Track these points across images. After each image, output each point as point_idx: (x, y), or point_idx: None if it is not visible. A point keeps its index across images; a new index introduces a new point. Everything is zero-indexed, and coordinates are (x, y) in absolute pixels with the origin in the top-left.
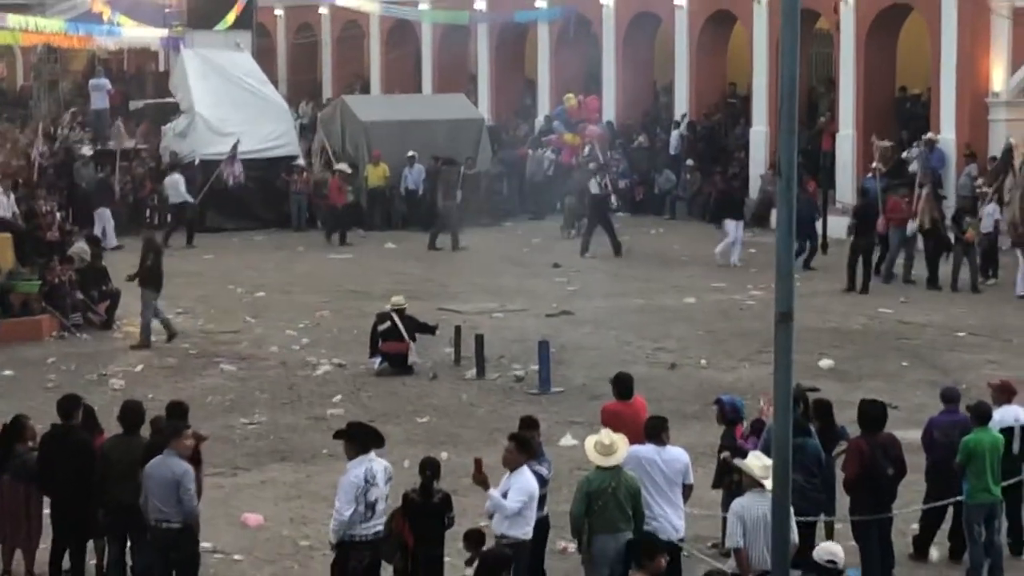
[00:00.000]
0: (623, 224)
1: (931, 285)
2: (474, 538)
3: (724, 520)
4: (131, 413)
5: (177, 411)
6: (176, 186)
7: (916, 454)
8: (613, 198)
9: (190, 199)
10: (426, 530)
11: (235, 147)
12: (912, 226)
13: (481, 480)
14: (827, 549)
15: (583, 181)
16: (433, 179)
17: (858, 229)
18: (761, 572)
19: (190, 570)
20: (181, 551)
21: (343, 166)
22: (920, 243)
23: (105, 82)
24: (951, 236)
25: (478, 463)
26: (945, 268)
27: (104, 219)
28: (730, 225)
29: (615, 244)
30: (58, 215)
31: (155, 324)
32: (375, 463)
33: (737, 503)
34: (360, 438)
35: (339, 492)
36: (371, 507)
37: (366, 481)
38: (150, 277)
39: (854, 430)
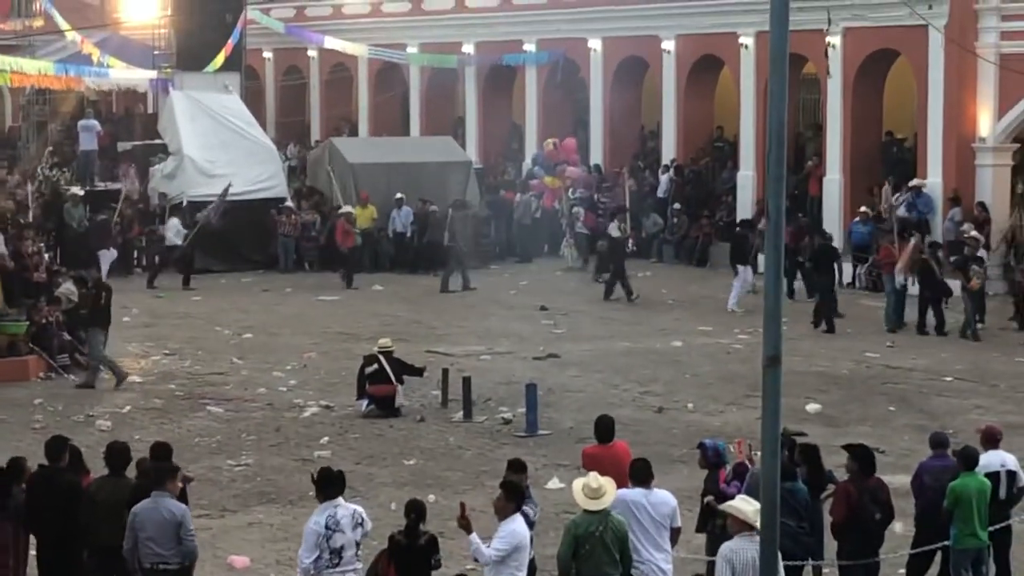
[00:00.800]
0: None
1: (920, 331)
2: None
3: (708, 564)
4: (117, 454)
5: (162, 452)
6: (176, 229)
7: (903, 499)
8: (631, 242)
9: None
10: (412, 572)
11: (226, 191)
12: (899, 277)
13: (464, 524)
14: None
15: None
16: (423, 221)
17: (816, 269)
18: None
19: None
20: None
21: (348, 208)
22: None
23: (95, 123)
24: (947, 283)
25: (463, 507)
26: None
27: (107, 259)
28: (740, 269)
29: (627, 289)
30: (46, 256)
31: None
32: (340, 508)
33: (726, 547)
34: (322, 485)
35: (302, 539)
36: (336, 553)
37: (327, 528)
38: (100, 317)
39: (841, 475)
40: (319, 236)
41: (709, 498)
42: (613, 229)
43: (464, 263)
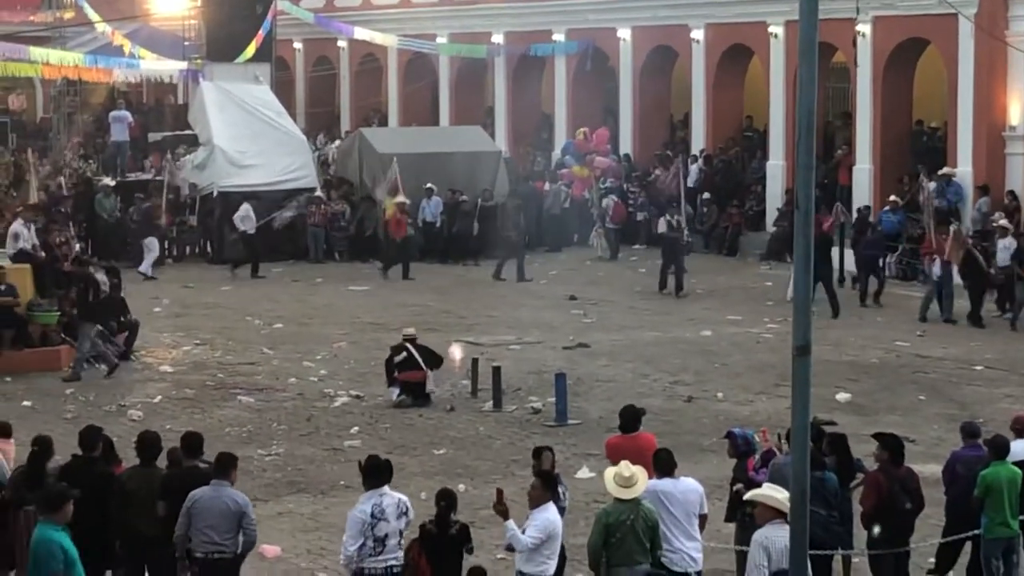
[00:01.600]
0: (640, 257)
1: (974, 322)
2: None
3: (737, 553)
4: (148, 444)
5: (193, 442)
6: (247, 216)
7: (934, 488)
8: (686, 233)
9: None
10: (443, 561)
11: (305, 198)
12: (935, 268)
13: (501, 510)
14: None
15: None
16: (452, 211)
17: (818, 257)
18: None
19: None
20: None
21: (403, 198)
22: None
23: (126, 114)
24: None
25: (499, 493)
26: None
27: (152, 248)
28: None
29: (678, 284)
30: (76, 246)
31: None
32: (386, 497)
33: (760, 534)
34: (370, 473)
35: (347, 526)
36: (380, 541)
37: (373, 516)
38: (88, 310)
39: (871, 464)
40: (349, 226)
41: (738, 486)
42: (661, 225)
43: (521, 253)
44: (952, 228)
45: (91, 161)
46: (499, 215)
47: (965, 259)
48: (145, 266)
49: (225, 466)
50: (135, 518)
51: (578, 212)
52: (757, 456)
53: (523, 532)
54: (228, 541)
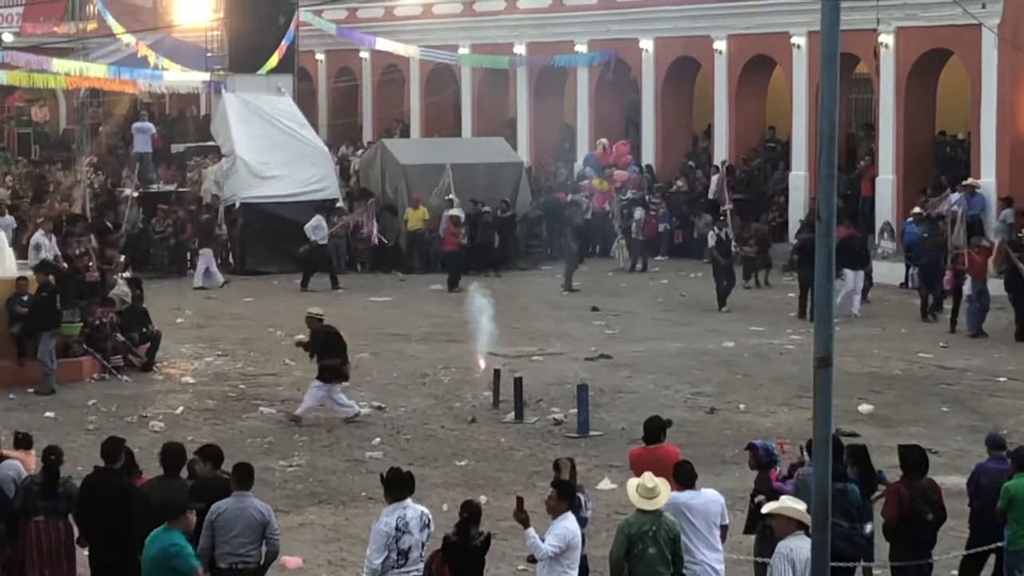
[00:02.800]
0: (662, 268)
1: (1021, 337)
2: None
3: (756, 565)
4: (172, 455)
5: (212, 454)
6: (319, 227)
7: (956, 499)
8: (734, 246)
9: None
10: (466, 572)
11: (372, 203)
12: (974, 283)
13: (522, 518)
14: None
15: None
16: (474, 222)
17: (801, 261)
18: None
19: None
20: None
21: (456, 211)
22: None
23: (149, 126)
24: None
25: (520, 501)
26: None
27: (208, 259)
28: (849, 275)
29: (721, 296)
30: (122, 258)
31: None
32: (409, 510)
33: (784, 546)
34: (393, 485)
35: (371, 539)
36: (404, 554)
37: (397, 529)
38: (49, 320)
39: (894, 475)
40: (370, 237)
41: (760, 498)
42: (711, 239)
43: (575, 263)
44: (998, 240)
45: (100, 173)
46: (493, 226)
47: (1010, 272)
48: (198, 278)
49: (246, 476)
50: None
51: (600, 224)
52: (780, 467)
53: (543, 541)
54: (252, 551)
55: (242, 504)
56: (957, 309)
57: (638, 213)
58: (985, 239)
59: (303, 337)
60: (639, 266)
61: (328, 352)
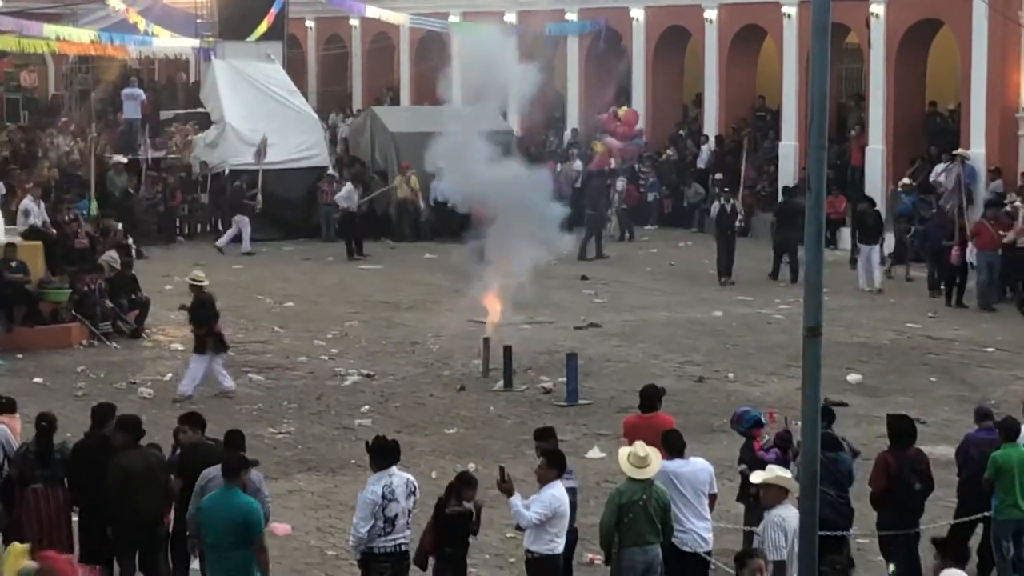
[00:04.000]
0: (651, 237)
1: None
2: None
3: (746, 534)
4: (133, 426)
5: (197, 419)
6: (350, 195)
7: (944, 469)
8: (740, 218)
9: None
10: (449, 539)
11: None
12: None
13: (505, 488)
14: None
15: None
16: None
17: (779, 226)
18: None
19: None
20: None
21: None
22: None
23: (139, 92)
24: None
25: (502, 471)
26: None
27: (243, 225)
28: (864, 249)
29: (722, 268)
30: (119, 226)
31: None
32: (395, 477)
33: (776, 514)
34: (378, 454)
35: (357, 507)
36: (391, 522)
37: (384, 497)
38: None
39: (881, 445)
40: (361, 205)
41: (742, 467)
42: (714, 208)
43: (601, 231)
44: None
45: (79, 140)
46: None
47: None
48: (224, 240)
49: (237, 442)
50: (137, 497)
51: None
52: (767, 436)
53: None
54: None
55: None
56: (964, 283)
57: (620, 183)
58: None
59: (185, 303)
60: (626, 235)
61: (199, 321)
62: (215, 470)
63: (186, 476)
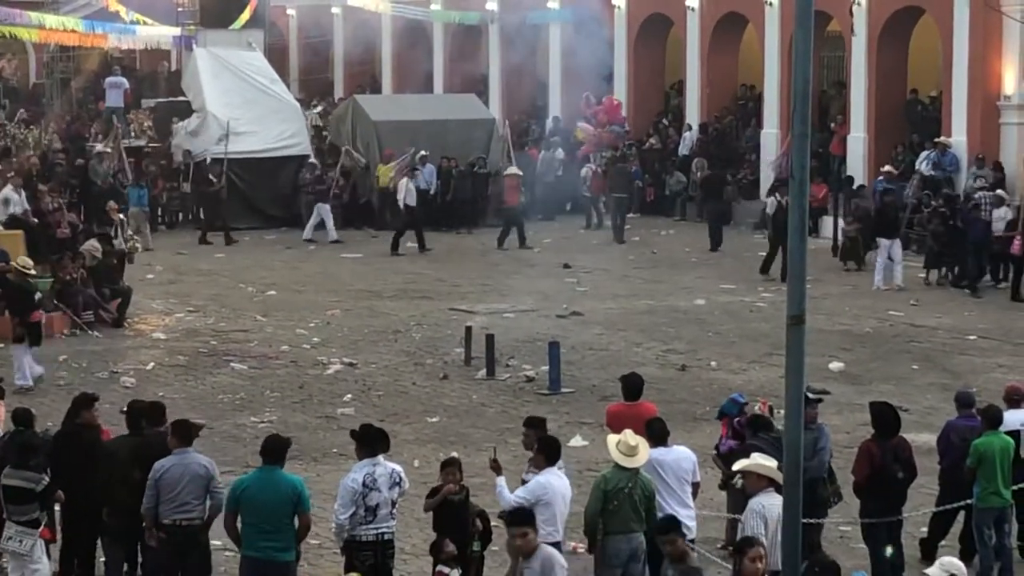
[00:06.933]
0: (633, 225)
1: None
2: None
3: (728, 522)
4: (138, 413)
5: (157, 412)
6: (410, 189)
7: (926, 457)
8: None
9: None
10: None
11: (414, 155)
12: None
13: (494, 467)
14: (956, 565)
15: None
16: (447, 178)
17: (704, 198)
18: (774, 572)
19: (205, 567)
20: (200, 547)
21: (514, 169)
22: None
23: (122, 80)
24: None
25: (494, 450)
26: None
27: (324, 213)
28: (884, 244)
29: (769, 264)
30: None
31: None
32: (379, 467)
33: (756, 502)
34: (364, 441)
35: (338, 494)
36: (372, 511)
37: (365, 486)
38: None
39: (863, 433)
40: (342, 194)
41: (712, 453)
42: (770, 205)
43: (624, 214)
44: None
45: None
46: (467, 182)
47: None
48: (308, 231)
49: (187, 433)
50: (120, 485)
51: (572, 180)
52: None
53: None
54: (197, 506)
55: (185, 460)
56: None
57: (584, 170)
58: None
59: None
60: (594, 221)
61: (12, 310)
62: (168, 461)
63: (142, 469)
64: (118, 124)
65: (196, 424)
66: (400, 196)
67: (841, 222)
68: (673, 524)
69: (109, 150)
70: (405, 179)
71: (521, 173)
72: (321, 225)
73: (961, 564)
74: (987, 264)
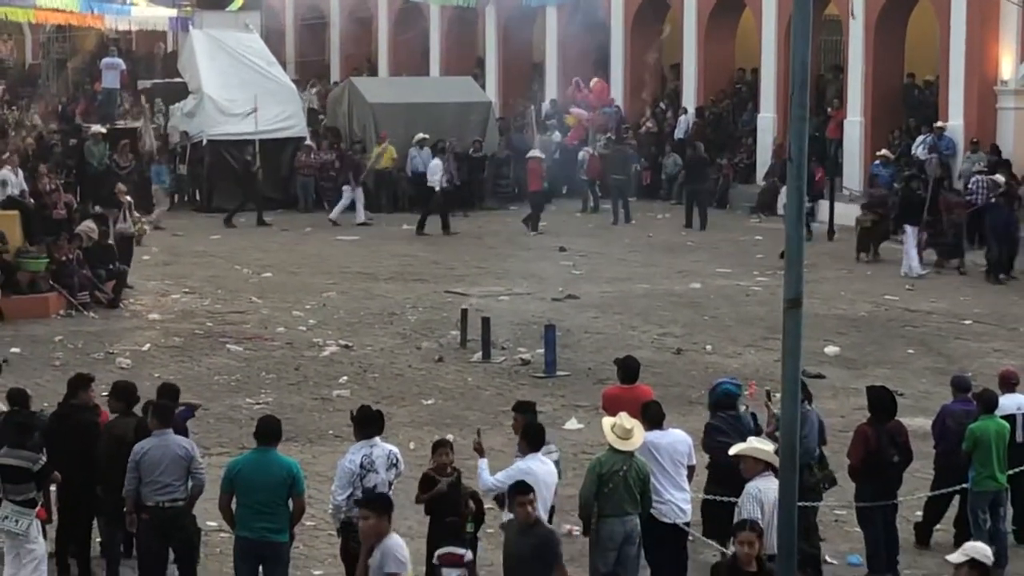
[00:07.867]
0: (630, 208)
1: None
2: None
3: (703, 502)
4: (126, 392)
5: (170, 393)
6: (436, 171)
7: (922, 441)
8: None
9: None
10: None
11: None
12: None
13: (477, 448)
14: (979, 550)
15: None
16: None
17: (687, 178)
18: (771, 555)
19: (193, 547)
20: (186, 529)
21: (537, 152)
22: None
23: (119, 61)
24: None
25: (478, 432)
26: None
27: (357, 197)
28: (909, 232)
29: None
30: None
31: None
32: (376, 448)
33: (752, 486)
34: (362, 423)
35: (336, 476)
36: (368, 492)
37: (362, 467)
38: None
39: (858, 417)
40: (337, 176)
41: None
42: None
43: (626, 197)
44: None
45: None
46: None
47: None
48: (336, 211)
49: (166, 415)
50: (120, 465)
51: (568, 163)
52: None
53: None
54: (179, 487)
55: (165, 442)
56: None
57: (581, 154)
58: None
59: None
60: (591, 205)
61: None
62: (148, 443)
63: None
64: (146, 104)
65: (193, 404)
66: (435, 177)
67: (850, 211)
68: (745, 523)
69: (104, 131)
70: (437, 160)
71: (543, 156)
72: (351, 207)
73: (986, 548)
74: (1015, 252)
